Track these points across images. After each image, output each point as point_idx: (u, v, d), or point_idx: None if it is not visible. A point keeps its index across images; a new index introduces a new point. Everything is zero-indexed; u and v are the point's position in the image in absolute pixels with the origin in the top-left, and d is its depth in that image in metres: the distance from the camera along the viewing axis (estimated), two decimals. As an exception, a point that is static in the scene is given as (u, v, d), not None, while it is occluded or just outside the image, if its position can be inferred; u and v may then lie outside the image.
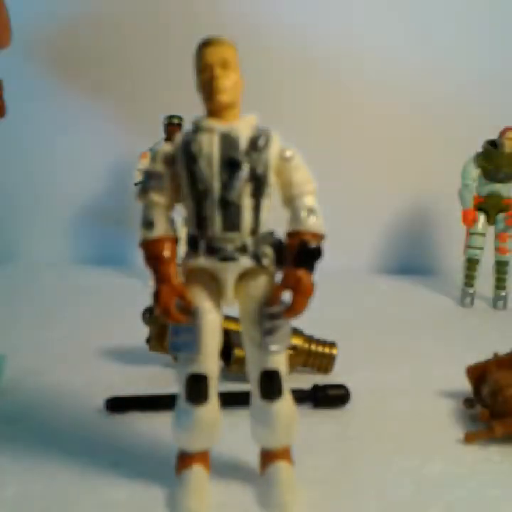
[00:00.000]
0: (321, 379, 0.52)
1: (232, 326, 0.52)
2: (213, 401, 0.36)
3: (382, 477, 0.39)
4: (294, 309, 0.34)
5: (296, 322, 0.55)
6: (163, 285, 0.34)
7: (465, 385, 0.48)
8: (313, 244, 0.34)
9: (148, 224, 0.35)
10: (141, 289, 0.84)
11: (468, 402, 0.47)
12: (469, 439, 0.43)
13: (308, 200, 0.35)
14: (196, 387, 0.35)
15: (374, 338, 0.66)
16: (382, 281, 0.95)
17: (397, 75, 1.01)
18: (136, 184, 0.88)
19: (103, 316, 0.72)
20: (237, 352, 0.51)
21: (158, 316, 0.35)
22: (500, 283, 0.84)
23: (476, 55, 1.00)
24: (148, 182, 0.35)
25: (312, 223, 0.35)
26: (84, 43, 0.98)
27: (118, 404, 0.47)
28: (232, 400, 0.46)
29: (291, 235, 0.35)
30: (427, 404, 0.50)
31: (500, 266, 0.84)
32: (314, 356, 0.53)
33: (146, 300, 0.55)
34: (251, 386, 0.36)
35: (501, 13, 1.00)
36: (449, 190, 0.86)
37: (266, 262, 0.35)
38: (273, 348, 0.35)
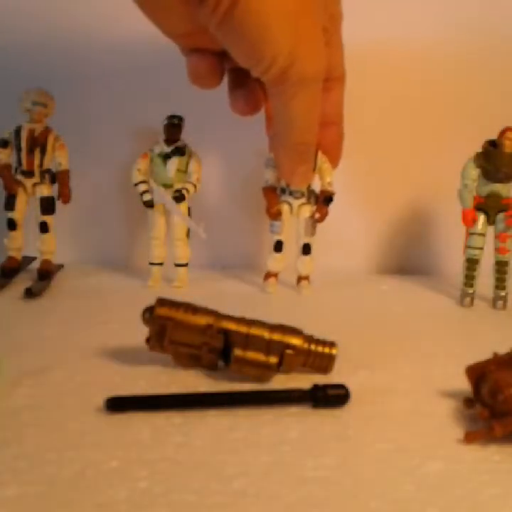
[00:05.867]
0: (320, 379, 0.52)
1: (232, 326, 0.52)
2: None
3: (382, 477, 0.39)
4: (320, 217, 0.79)
5: (296, 322, 0.56)
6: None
7: (465, 385, 0.48)
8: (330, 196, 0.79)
9: None
10: (141, 289, 0.84)
11: (468, 402, 0.47)
12: (469, 439, 0.43)
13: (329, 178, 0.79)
14: None
15: (374, 338, 0.66)
16: (382, 281, 0.94)
17: (395, 74, 1.01)
18: (135, 184, 0.87)
19: (103, 316, 0.72)
20: (237, 352, 0.51)
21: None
22: (500, 283, 0.84)
23: (477, 54, 1.00)
24: None
25: (330, 188, 0.79)
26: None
27: (118, 404, 0.47)
28: (232, 400, 0.46)
29: (321, 192, 0.79)
30: (427, 404, 0.50)
31: (500, 266, 0.84)
32: (314, 356, 0.53)
33: (146, 300, 0.55)
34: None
35: (500, 12, 1.00)
36: (449, 190, 0.86)
37: (311, 201, 0.80)
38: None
